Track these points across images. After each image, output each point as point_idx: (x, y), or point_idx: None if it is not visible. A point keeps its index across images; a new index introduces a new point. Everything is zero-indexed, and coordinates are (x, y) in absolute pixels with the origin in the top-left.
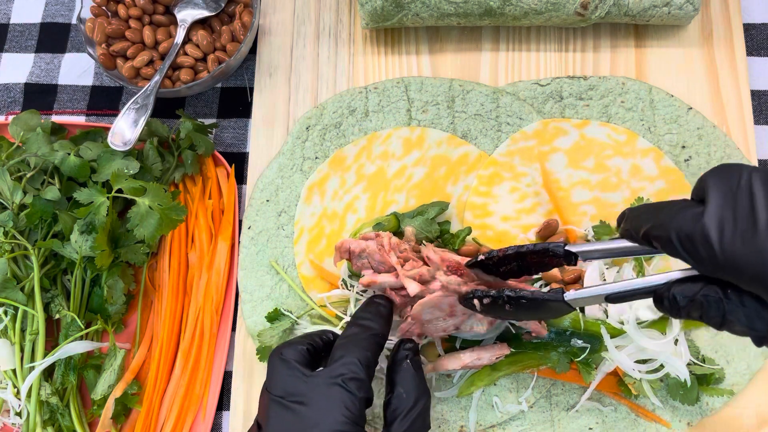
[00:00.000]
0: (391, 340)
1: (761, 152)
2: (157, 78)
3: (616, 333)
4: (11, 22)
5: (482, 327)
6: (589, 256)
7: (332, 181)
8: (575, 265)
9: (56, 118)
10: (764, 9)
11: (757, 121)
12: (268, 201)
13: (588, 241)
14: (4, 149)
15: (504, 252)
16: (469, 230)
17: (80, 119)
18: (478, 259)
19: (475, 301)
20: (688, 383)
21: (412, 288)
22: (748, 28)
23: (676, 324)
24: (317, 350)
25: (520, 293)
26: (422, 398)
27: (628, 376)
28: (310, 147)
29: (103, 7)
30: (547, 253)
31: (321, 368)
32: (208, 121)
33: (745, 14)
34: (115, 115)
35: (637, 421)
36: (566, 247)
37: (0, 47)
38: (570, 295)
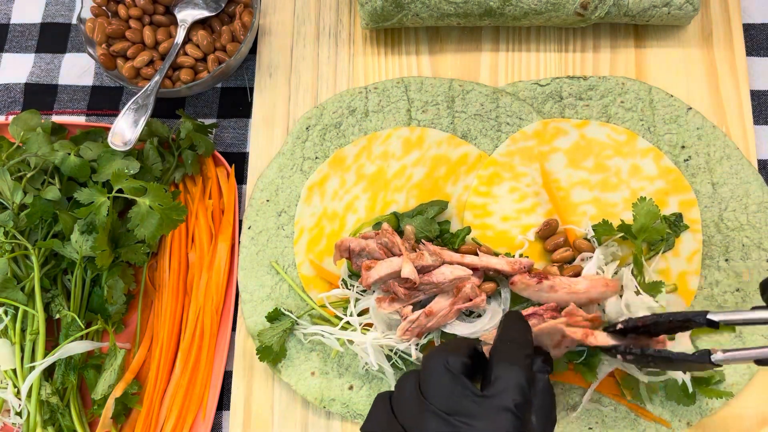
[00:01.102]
0: (390, 336)
1: (761, 152)
2: (157, 78)
3: None
4: (11, 22)
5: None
6: (731, 323)
7: (332, 181)
8: (717, 328)
9: (56, 118)
10: (764, 9)
11: (756, 121)
12: (268, 201)
13: (588, 241)
14: (5, 149)
15: (643, 321)
16: (469, 230)
17: (80, 119)
18: (617, 328)
19: (619, 356)
20: (690, 388)
21: (407, 270)
22: (748, 29)
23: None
24: (478, 360)
25: (664, 354)
26: (549, 429)
27: (627, 381)
28: (310, 147)
29: (103, 7)
30: (687, 321)
31: (488, 388)
32: (208, 121)
33: (745, 14)
34: (115, 115)
35: (637, 421)
36: (708, 316)
37: (0, 47)
38: (719, 357)
